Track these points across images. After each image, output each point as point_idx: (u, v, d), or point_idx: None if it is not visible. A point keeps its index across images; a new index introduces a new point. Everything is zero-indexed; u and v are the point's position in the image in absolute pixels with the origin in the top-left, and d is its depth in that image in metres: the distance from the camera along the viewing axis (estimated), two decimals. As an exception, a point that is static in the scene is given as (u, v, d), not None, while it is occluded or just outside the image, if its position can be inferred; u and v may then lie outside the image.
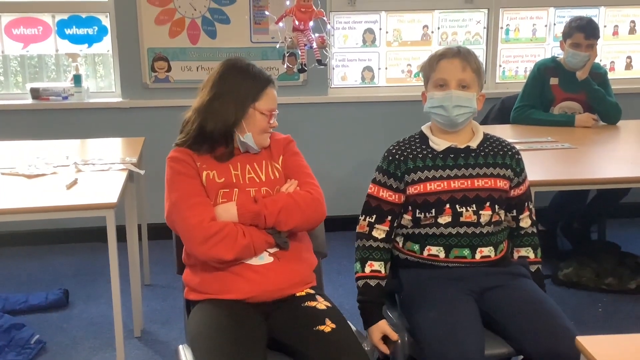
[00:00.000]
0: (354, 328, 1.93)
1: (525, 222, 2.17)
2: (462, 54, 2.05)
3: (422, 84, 2.18)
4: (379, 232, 2.09)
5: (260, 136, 2.08)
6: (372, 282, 2.06)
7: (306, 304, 1.95)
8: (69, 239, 4.07)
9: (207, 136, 2.04)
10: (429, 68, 2.09)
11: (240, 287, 1.95)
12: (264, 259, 1.99)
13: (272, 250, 2.00)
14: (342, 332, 1.85)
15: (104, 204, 2.42)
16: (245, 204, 1.98)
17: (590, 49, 3.48)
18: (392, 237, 2.12)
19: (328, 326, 1.85)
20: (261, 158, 2.11)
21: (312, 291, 2.03)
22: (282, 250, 2.00)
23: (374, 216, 2.10)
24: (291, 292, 2.00)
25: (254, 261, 1.98)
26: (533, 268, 2.16)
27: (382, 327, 2.02)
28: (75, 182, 2.62)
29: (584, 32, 3.47)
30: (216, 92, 2.03)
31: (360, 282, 2.08)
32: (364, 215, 2.13)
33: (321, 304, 1.93)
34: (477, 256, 2.05)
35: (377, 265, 2.08)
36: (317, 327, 1.84)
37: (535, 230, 2.19)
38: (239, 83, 2.05)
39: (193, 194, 1.99)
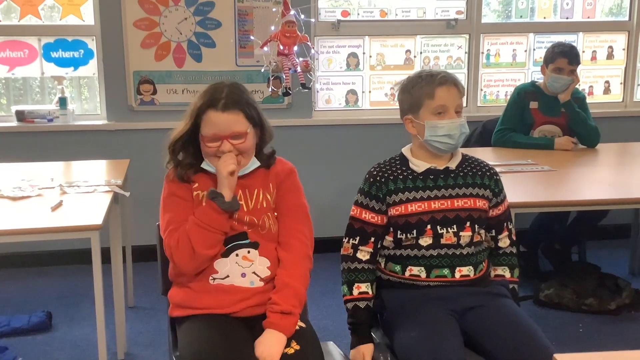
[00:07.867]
0: (336, 349, 1.93)
1: (504, 242, 2.20)
2: (455, 80, 2.08)
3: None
4: (363, 254, 2.11)
5: (215, 161, 1.98)
6: (362, 304, 2.08)
7: None
8: (52, 261, 4.05)
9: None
10: (425, 94, 2.05)
11: (226, 303, 1.95)
12: (255, 283, 1.98)
13: (262, 275, 1.98)
14: (306, 354, 1.86)
15: (89, 225, 2.43)
16: (287, 328, 1.90)
17: (572, 74, 3.56)
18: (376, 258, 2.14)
19: (292, 348, 1.86)
20: (255, 185, 2.04)
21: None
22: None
23: (358, 238, 2.11)
24: None
25: (244, 284, 1.98)
26: (509, 287, 2.18)
27: (365, 349, 2.03)
28: (60, 204, 2.63)
29: (567, 57, 3.54)
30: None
31: (350, 305, 2.09)
32: (347, 238, 2.14)
33: (291, 348, 1.88)
34: (457, 275, 2.07)
35: (365, 287, 2.09)
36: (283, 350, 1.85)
37: (514, 251, 2.21)
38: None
39: (183, 217, 1.98)
